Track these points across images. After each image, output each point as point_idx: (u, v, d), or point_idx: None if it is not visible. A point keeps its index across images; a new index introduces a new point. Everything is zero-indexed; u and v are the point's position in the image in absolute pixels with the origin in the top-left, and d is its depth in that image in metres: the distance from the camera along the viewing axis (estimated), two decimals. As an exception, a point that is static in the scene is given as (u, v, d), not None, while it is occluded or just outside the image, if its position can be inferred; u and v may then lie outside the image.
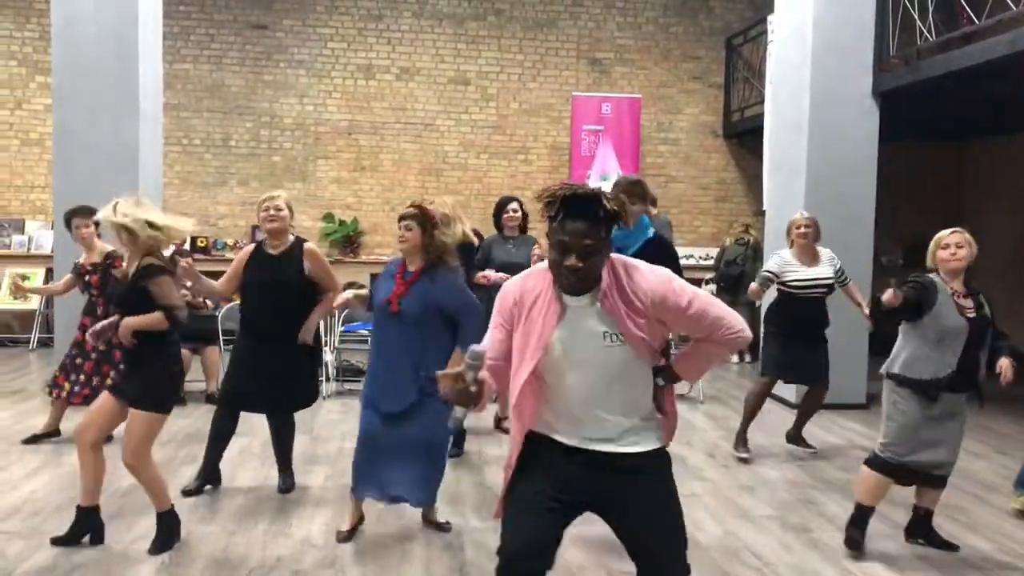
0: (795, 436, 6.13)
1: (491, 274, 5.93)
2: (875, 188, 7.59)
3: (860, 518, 4.25)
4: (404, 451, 4.07)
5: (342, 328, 7.95)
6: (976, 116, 9.20)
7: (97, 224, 5.64)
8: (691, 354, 2.54)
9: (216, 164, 10.79)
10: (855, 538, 4.23)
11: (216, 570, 3.82)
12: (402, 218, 4.14)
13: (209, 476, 4.90)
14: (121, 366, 4.25)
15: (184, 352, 5.41)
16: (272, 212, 4.74)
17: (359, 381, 8.02)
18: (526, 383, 2.43)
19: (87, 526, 4.03)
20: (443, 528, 4.35)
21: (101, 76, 6.95)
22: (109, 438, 4.39)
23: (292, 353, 4.75)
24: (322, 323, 7.42)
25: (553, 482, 2.47)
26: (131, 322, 3.85)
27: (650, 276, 2.40)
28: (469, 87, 11.06)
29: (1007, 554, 4.30)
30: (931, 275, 4.10)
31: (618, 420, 2.47)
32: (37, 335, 9.93)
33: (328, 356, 7.64)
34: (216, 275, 4.92)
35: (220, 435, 4.88)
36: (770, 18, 8.91)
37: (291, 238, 4.83)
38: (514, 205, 6.29)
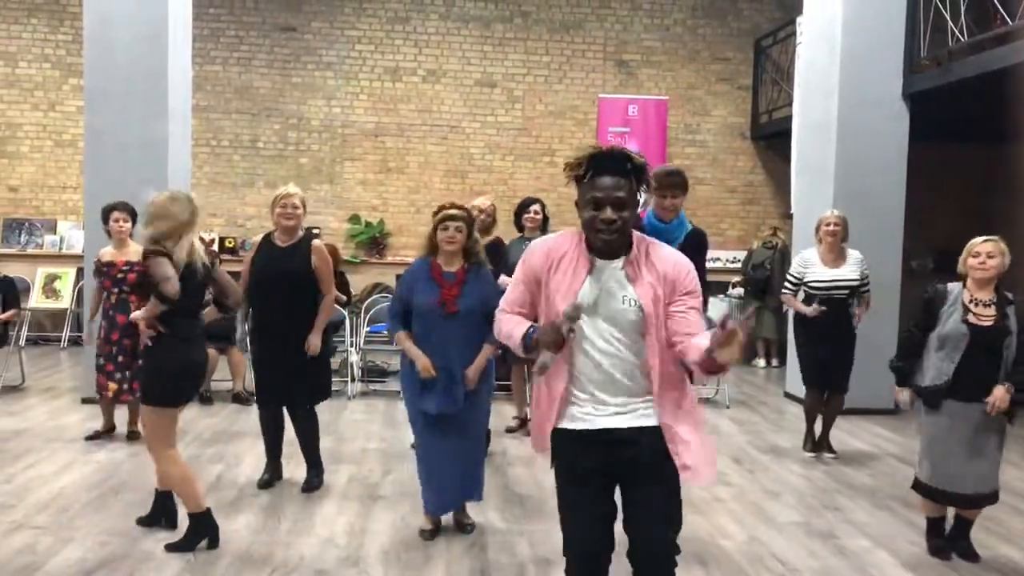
0: (820, 444, 6.05)
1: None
2: (904, 192, 7.50)
3: (931, 529, 4.30)
4: (461, 453, 4.23)
5: (367, 329, 7.98)
6: (1009, 118, 9.04)
7: (133, 223, 5.72)
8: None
9: (244, 165, 10.89)
10: (938, 546, 4.24)
11: (240, 568, 3.85)
12: (450, 219, 4.17)
13: (271, 472, 5.04)
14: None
15: (211, 351, 5.48)
16: (289, 210, 4.83)
17: (384, 382, 8.06)
18: None
19: (203, 530, 4.02)
20: (466, 529, 4.36)
21: (132, 78, 7.04)
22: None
23: (303, 346, 4.77)
24: (347, 323, 7.55)
25: (584, 473, 2.59)
26: (136, 315, 3.91)
27: (671, 258, 2.57)
28: (495, 89, 11.07)
29: (1039, 564, 4.23)
30: (948, 284, 4.07)
31: (627, 386, 2.55)
32: (68, 333, 10.06)
33: (353, 357, 7.67)
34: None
35: (265, 431, 5.02)
36: (799, 19, 8.83)
37: (300, 233, 4.92)
38: (536, 207, 6.43)
